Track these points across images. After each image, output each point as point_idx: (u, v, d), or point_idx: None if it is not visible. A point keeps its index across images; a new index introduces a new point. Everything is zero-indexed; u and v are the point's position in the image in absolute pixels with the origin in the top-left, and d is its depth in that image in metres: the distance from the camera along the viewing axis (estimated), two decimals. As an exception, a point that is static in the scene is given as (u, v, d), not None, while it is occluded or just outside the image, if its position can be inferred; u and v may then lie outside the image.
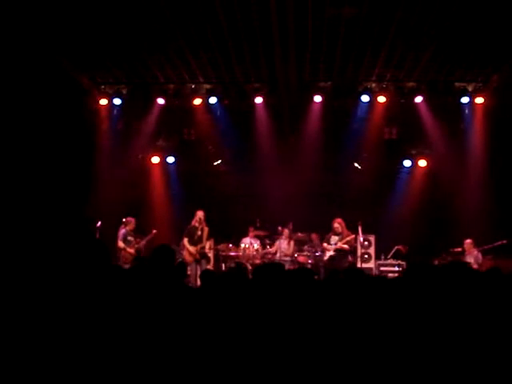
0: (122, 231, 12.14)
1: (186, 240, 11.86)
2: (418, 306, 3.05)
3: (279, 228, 12.85)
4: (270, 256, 12.77)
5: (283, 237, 12.80)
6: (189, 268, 11.23)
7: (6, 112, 10.61)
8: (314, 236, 13.34)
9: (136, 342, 2.81)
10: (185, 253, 11.78)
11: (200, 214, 11.94)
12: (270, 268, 5.28)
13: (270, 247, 13.01)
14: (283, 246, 12.76)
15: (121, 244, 12.03)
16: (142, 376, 2.79)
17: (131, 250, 12.07)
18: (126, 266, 10.34)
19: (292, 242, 12.79)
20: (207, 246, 12.18)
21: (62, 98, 12.07)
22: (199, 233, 11.83)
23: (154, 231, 12.52)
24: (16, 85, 10.68)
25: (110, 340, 2.66)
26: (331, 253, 12.10)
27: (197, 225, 11.90)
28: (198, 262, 11.70)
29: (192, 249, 11.72)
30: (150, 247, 12.13)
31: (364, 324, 3.29)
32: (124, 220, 12.29)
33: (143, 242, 12.39)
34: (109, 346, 2.64)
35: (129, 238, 12.20)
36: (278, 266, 5.33)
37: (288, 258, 12.52)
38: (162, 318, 3.16)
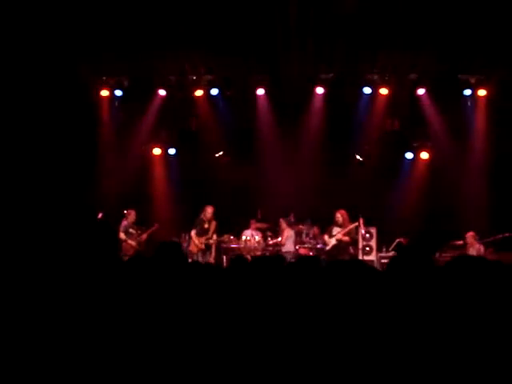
0: (124, 223, 12.16)
1: (193, 231, 12.06)
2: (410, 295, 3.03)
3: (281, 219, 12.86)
4: (271, 248, 12.77)
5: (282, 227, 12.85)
6: (190, 259, 11.30)
7: (7, 104, 10.60)
8: (315, 228, 13.33)
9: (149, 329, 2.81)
10: (191, 242, 11.95)
11: (209, 209, 12.10)
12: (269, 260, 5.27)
13: (272, 239, 12.95)
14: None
15: (122, 236, 12.04)
16: (147, 367, 2.79)
17: (132, 243, 12.11)
18: (126, 258, 10.36)
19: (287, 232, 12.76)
20: (213, 239, 12.26)
21: (63, 89, 12.05)
22: (206, 226, 12.03)
23: (156, 225, 12.55)
24: (16, 76, 10.66)
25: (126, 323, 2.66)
26: (333, 242, 12.10)
27: (205, 219, 12.08)
28: (202, 252, 11.88)
29: (198, 240, 11.93)
30: (151, 240, 12.20)
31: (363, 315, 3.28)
32: (125, 212, 12.31)
33: (144, 236, 12.41)
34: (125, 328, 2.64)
35: (130, 230, 12.21)
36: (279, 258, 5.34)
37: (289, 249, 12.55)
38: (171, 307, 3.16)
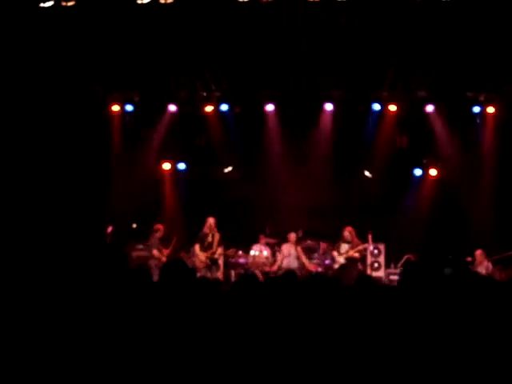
0: (156, 239, 12.10)
1: (197, 246, 11.87)
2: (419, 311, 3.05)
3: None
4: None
5: (289, 242, 12.70)
6: (198, 274, 11.23)
7: (19, 119, 10.73)
8: (323, 244, 13.32)
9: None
10: (195, 259, 11.79)
11: (211, 220, 11.92)
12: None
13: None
14: (287, 251, 12.67)
15: (156, 253, 11.82)
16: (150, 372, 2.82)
17: (164, 258, 11.82)
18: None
19: (298, 248, 12.64)
20: (218, 252, 12.10)
21: (75, 104, 12.16)
22: (210, 239, 11.85)
23: (175, 238, 12.37)
24: (29, 90, 10.78)
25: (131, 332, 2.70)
26: (341, 261, 12.08)
27: (208, 231, 11.90)
28: (208, 268, 11.72)
29: (202, 255, 11.75)
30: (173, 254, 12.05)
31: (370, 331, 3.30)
32: (154, 227, 12.14)
33: (168, 251, 12.15)
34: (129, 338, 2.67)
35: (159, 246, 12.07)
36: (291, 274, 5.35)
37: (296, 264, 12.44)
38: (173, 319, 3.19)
